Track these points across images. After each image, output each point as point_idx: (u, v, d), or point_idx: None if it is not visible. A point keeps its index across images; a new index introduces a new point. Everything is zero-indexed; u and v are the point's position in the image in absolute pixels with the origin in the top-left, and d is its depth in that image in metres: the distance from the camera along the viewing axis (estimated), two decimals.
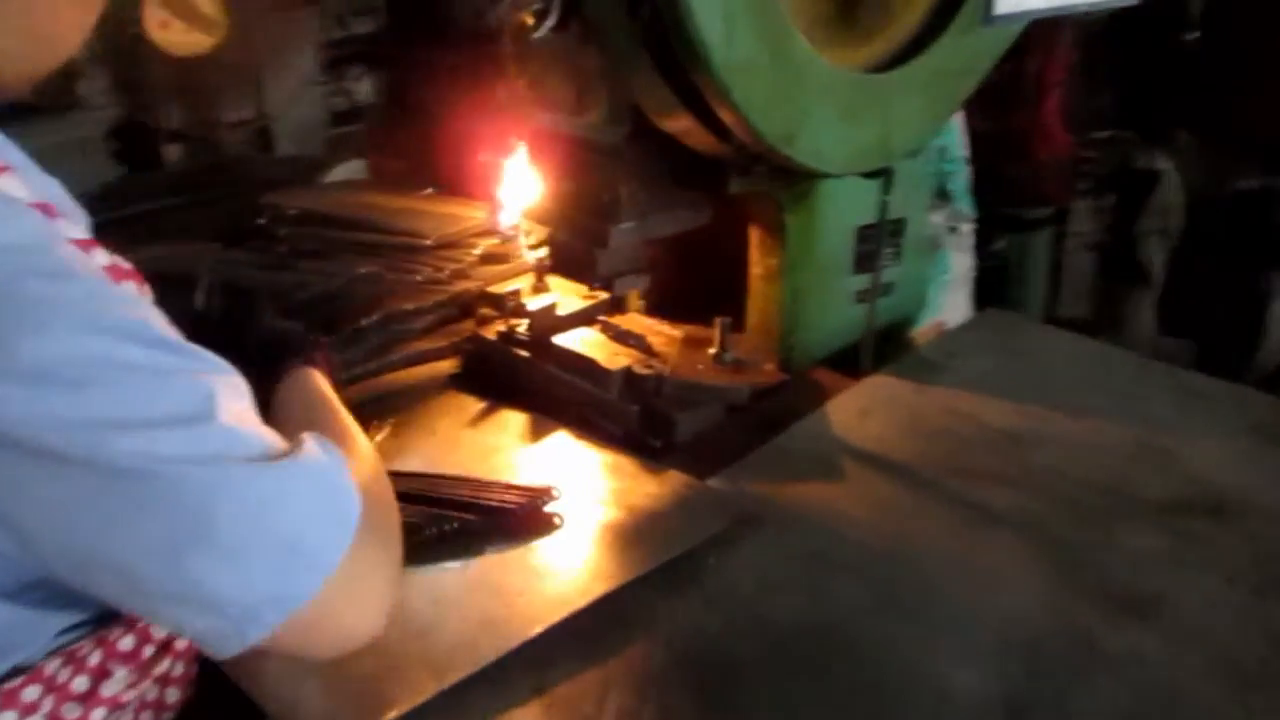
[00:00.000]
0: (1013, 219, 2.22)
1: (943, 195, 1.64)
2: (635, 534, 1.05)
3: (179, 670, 0.86)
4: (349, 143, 2.65)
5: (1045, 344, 1.44)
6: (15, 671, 0.70)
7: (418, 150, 2.14)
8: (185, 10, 2.17)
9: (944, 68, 1.10)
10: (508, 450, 1.22)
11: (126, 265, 0.73)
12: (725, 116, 0.97)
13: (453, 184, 1.79)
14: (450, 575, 0.98)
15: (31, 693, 0.71)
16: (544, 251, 1.39)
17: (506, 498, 1.08)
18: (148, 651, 0.82)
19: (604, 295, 1.38)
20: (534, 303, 1.38)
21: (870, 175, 1.19)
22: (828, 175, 1.18)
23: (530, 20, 1.28)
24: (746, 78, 0.93)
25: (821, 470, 1.15)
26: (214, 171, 2.16)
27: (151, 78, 2.21)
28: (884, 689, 0.86)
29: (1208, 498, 1.07)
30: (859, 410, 1.26)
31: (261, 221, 1.57)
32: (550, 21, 1.26)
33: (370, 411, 1.23)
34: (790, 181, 1.23)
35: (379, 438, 1.22)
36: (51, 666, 0.72)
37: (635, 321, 1.42)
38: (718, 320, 1.30)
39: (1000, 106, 2.03)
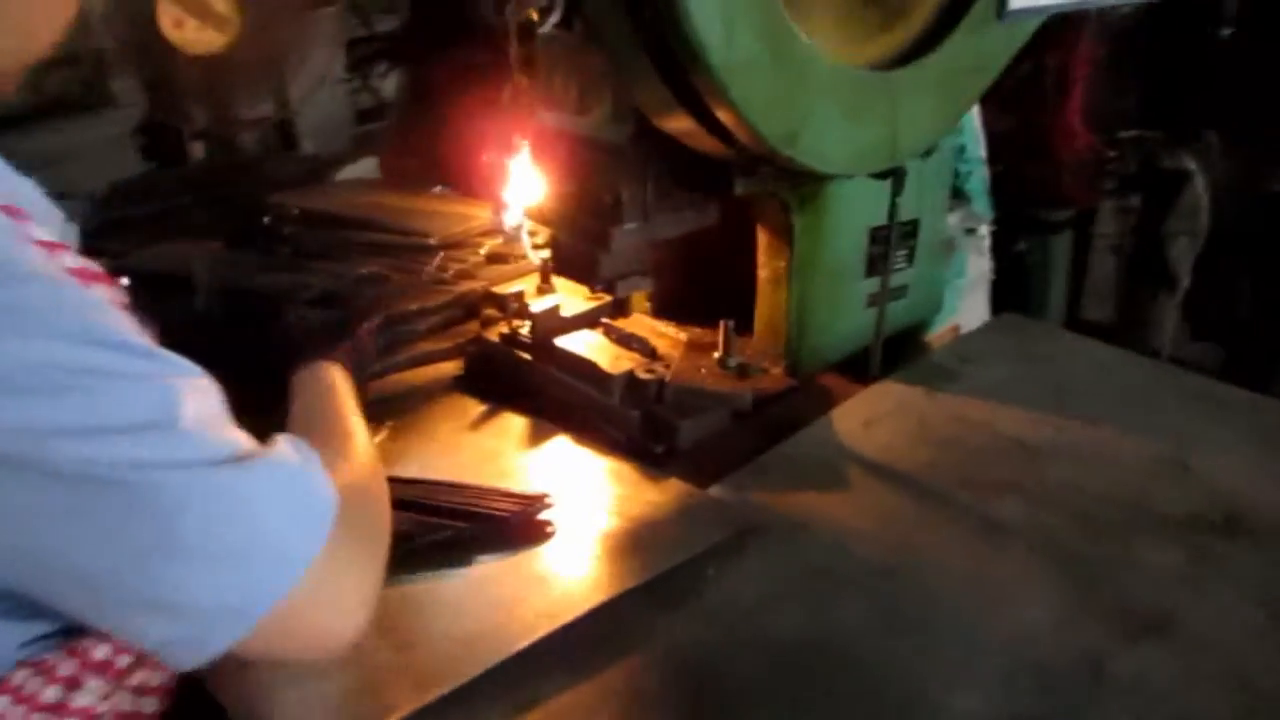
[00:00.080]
0: (1033, 220, 2.17)
1: (959, 196, 1.60)
2: (632, 543, 1.02)
3: (156, 680, 0.85)
4: (374, 141, 2.66)
5: (1063, 350, 1.40)
6: None
7: (431, 149, 2.12)
8: (198, 8, 2.17)
9: (956, 64, 1.06)
10: (507, 455, 1.19)
11: (96, 268, 0.72)
12: (724, 117, 0.94)
13: (465, 183, 1.78)
14: (438, 585, 0.95)
15: None
16: (549, 252, 1.37)
17: (500, 505, 1.05)
18: (123, 662, 0.81)
19: (608, 297, 1.35)
20: (537, 304, 1.36)
21: (880, 176, 1.16)
22: (835, 176, 1.15)
23: (535, 17, 1.26)
24: (746, 77, 0.90)
25: (826, 479, 1.12)
26: (223, 170, 2.16)
27: (177, 75, 2.22)
28: (887, 709, 0.83)
29: (1225, 513, 1.03)
30: (866, 417, 1.23)
31: (266, 221, 1.55)
32: (554, 18, 1.23)
33: (371, 413, 1.21)
34: (797, 183, 1.19)
35: (376, 440, 1.20)
36: (19, 677, 0.71)
37: (640, 324, 1.40)
38: (722, 324, 1.27)
39: (1020, 104, 1.98)
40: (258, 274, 1.44)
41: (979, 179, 1.62)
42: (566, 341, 1.31)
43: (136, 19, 2.13)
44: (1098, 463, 1.13)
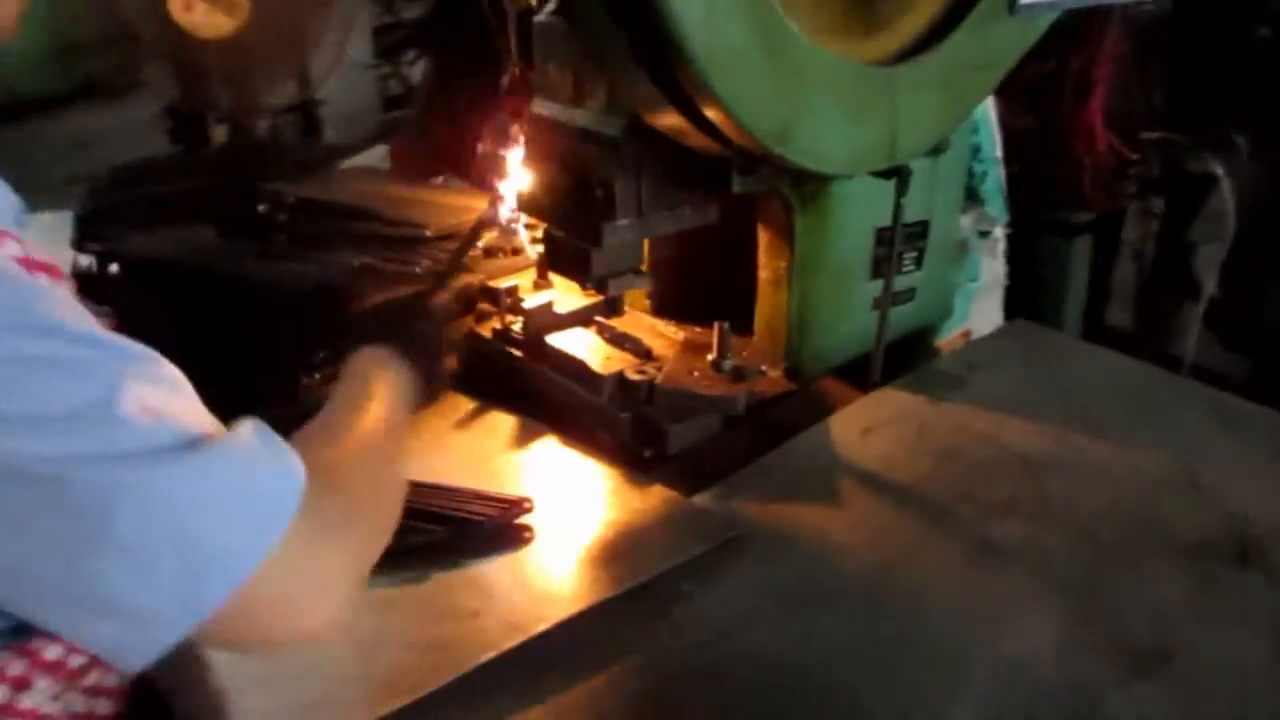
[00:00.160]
0: (1051, 223, 2.11)
1: (973, 197, 1.55)
2: (608, 553, 0.98)
3: (112, 681, 0.83)
4: (399, 128, 2.64)
5: (1075, 359, 1.34)
6: None
7: (441, 138, 2.10)
8: None
9: (961, 61, 1.01)
10: (493, 456, 1.16)
11: (42, 259, 0.69)
12: (710, 112, 0.89)
13: (471, 174, 1.74)
14: (409, 590, 0.92)
15: None
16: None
17: (479, 509, 1.02)
18: (75, 662, 0.78)
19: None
20: (531, 300, 1.33)
21: (883, 175, 1.11)
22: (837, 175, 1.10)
23: (533, 3, 1.22)
24: (731, 68, 0.85)
25: (818, 490, 1.07)
26: (225, 156, 2.15)
27: (204, 61, 2.22)
28: None
29: (1236, 538, 0.98)
30: (865, 425, 1.19)
31: (261, 209, 1.53)
32: (551, 4, 1.20)
33: None
34: (799, 181, 1.15)
35: None
36: None
37: (638, 323, 1.36)
38: (717, 325, 1.22)
39: (1040, 104, 1.92)
40: (249, 262, 1.41)
41: (994, 180, 1.57)
42: (558, 339, 1.28)
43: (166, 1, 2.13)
44: (1104, 480, 1.08)
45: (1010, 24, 1.03)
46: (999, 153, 1.56)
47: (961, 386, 1.26)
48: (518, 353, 1.30)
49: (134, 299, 1.41)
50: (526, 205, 1.24)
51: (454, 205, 1.58)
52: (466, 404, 1.26)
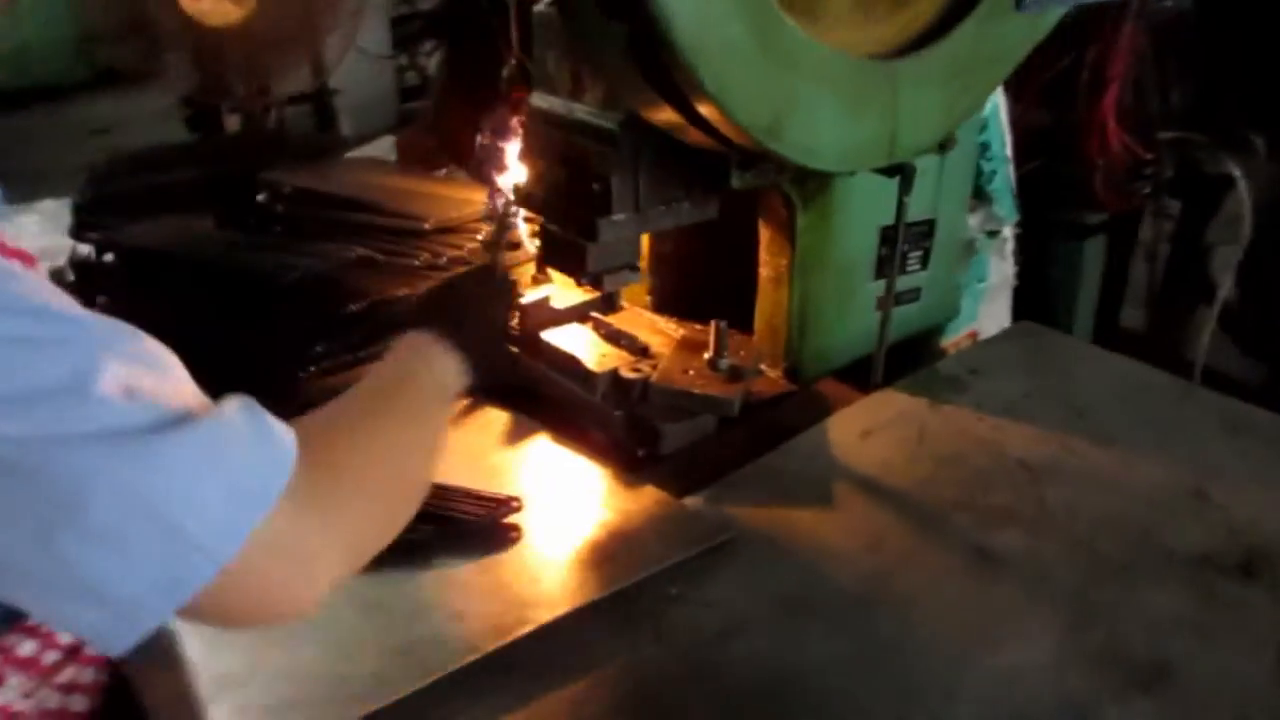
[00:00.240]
0: (1062, 224, 2.07)
1: (981, 196, 1.52)
2: (595, 555, 0.96)
3: (87, 677, 0.82)
4: (417, 118, 2.63)
5: (1081, 362, 1.31)
6: None
7: (452, 128, 2.08)
8: None
9: (966, 56, 0.98)
10: (484, 453, 1.15)
11: (14, 246, 0.68)
12: (701, 107, 0.87)
13: (475, 165, 1.73)
14: (392, 589, 0.90)
15: None
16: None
17: (466, 508, 1.01)
18: (50, 658, 0.77)
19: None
20: (528, 295, 1.31)
21: (886, 173, 1.08)
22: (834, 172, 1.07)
23: None
24: (721, 59, 0.83)
25: (812, 494, 1.05)
26: (233, 145, 2.14)
27: (219, 49, 2.21)
28: None
29: (1242, 550, 0.95)
30: (864, 428, 1.16)
31: (259, 199, 1.51)
32: None
33: None
34: (801, 177, 1.13)
35: None
36: None
37: (636, 319, 1.34)
38: (714, 323, 1.20)
39: (1053, 101, 1.88)
40: (245, 252, 1.40)
41: (1003, 178, 1.54)
42: (553, 335, 1.26)
43: None
44: (1106, 488, 1.05)
45: (1018, 19, 1.00)
46: (1008, 151, 1.53)
47: (963, 389, 1.24)
48: (513, 348, 1.28)
49: (130, 288, 1.40)
50: (523, 199, 1.22)
51: (455, 197, 1.57)
52: (462, 398, 1.24)
